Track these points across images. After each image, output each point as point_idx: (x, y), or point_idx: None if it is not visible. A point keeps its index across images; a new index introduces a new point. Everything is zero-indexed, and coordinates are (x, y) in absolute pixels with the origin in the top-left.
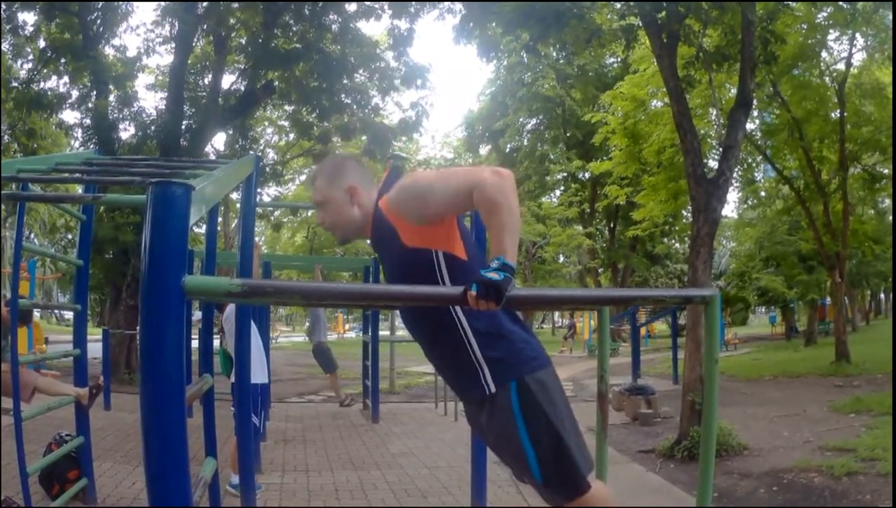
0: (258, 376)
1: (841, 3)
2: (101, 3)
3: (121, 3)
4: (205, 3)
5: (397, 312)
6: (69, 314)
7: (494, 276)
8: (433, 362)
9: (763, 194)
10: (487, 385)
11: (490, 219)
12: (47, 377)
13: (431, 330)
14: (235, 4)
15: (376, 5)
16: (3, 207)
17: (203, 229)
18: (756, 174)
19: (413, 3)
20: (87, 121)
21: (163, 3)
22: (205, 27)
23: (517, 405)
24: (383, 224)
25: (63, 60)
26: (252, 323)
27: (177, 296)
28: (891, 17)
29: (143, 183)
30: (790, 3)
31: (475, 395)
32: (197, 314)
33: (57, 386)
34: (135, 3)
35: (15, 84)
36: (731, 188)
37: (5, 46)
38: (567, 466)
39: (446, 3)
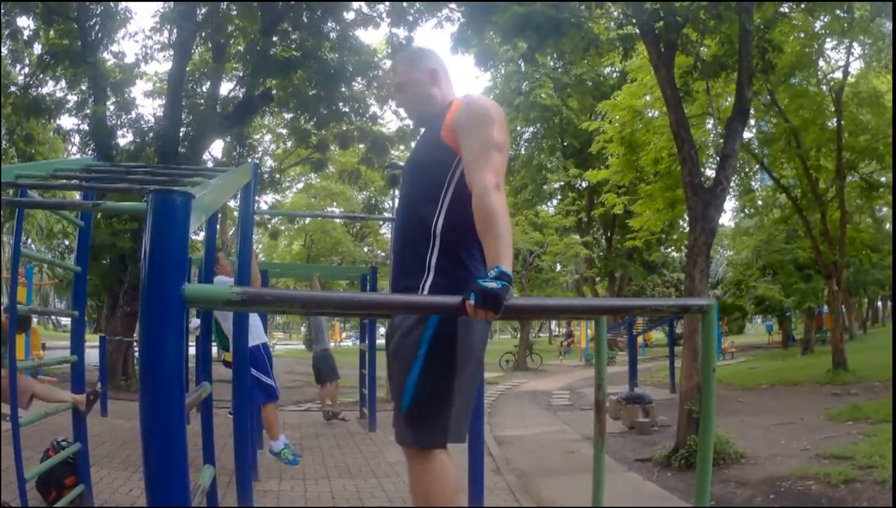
0: (255, 337)
1: (839, 11)
2: (99, 9)
3: (120, 1)
4: (203, 10)
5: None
6: (66, 320)
7: (492, 285)
8: (393, 273)
9: (760, 202)
10: (422, 290)
11: (487, 228)
12: (45, 384)
13: (409, 232)
14: (234, 11)
15: (375, 13)
16: (1, 212)
17: (201, 236)
18: (753, 183)
19: (411, 11)
20: (85, 127)
21: (161, 10)
22: (203, 34)
23: (432, 329)
24: (444, 114)
25: (61, 66)
26: None
27: (177, 304)
28: (887, 25)
29: (141, 190)
30: (791, 3)
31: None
32: (195, 322)
33: (54, 393)
34: (133, 10)
35: (13, 89)
36: (728, 197)
37: (4, 51)
38: (435, 414)
39: (445, 12)
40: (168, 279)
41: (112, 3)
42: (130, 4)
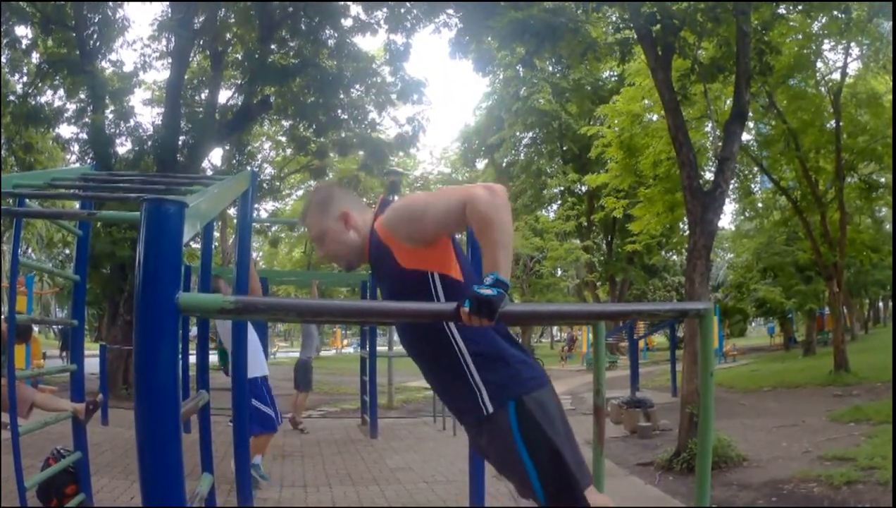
0: (256, 369)
1: (836, 12)
2: (97, 18)
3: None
4: (201, 18)
5: (395, 327)
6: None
7: (487, 292)
8: (431, 384)
9: (760, 205)
10: (485, 406)
11: (483, 235)
12: (45, 393)
13: (429, 353)
14: (232, 19)
15: (372, 20)
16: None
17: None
18: (753, 186)
19: (408, 17)
20: (84, 135)
21: (159, 18)
22: (201, 42)
23: (516, 426)
24: (379, 246)
25: (60, 75)
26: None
27: (171, 313)
28: (885, 25)
29: (137, 199)
30: (788, 3)
31: (473, 417)
32: (195, 330)
33: (54, 402)
34: (131, 18)
35: (12, 98)
36: (727, 200)
37: (2, 60)
38: (567, 484)
39: (442, 18)
40: (162, 288)
41: (109, 12)
42: (128, 13)
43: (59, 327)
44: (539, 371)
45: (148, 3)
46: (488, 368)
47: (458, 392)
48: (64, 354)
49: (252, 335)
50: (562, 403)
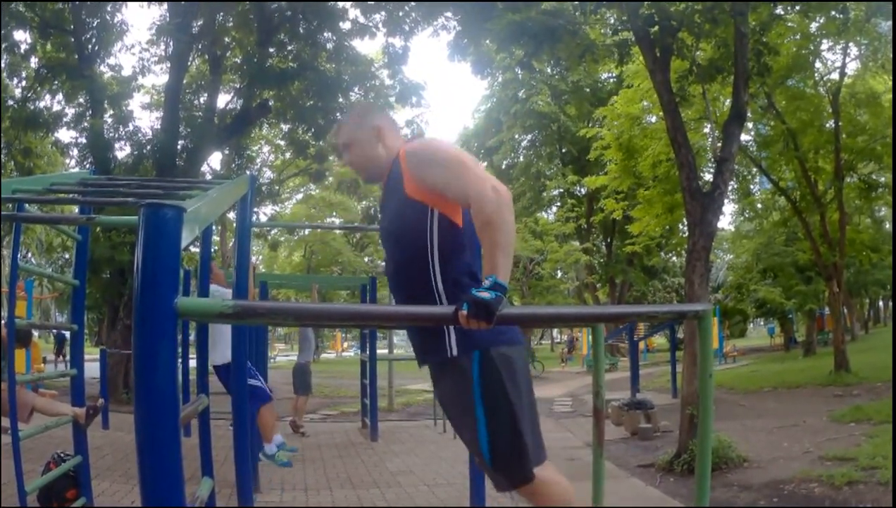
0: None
1: (834, 12)
2: (96, 22)
3: (119, 2)
4: (199, 22)
5: (395, 332)
6: (67, 334)
7: (485, 295)
8: (409, 329)
9: (759, 205)
10: (450, 348)
11: (484, 237)
12: (45, 398)
13: (407, 286)
14: (230, 23)
15: (371, 23)
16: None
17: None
18: (752, 186)
19: (407, 20)
20: (83, 140)
21: (157, 23)
22: (200, 46)
23: (477, 376)
24: (397, 170)
25: (58, 79)
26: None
27: (169, 317)
28: (883, 24)
29: (136, 204)
30: (786, 3)
31: (438, 357)
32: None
33: (54, 406)
34: (129, 22)
35: (11, 103)
36: (727, 201)
37: (1, 65)
38: (517, 452)
39: (440, 20)
40: (160, 292)
41: (108, 17)
42: (127, 17)
43: (42, 332)
44: (514, 330)
45: (146, 8)
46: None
47: (425, 330)
48: (58, 358)
49: (226, 326)
50: (531, 376)
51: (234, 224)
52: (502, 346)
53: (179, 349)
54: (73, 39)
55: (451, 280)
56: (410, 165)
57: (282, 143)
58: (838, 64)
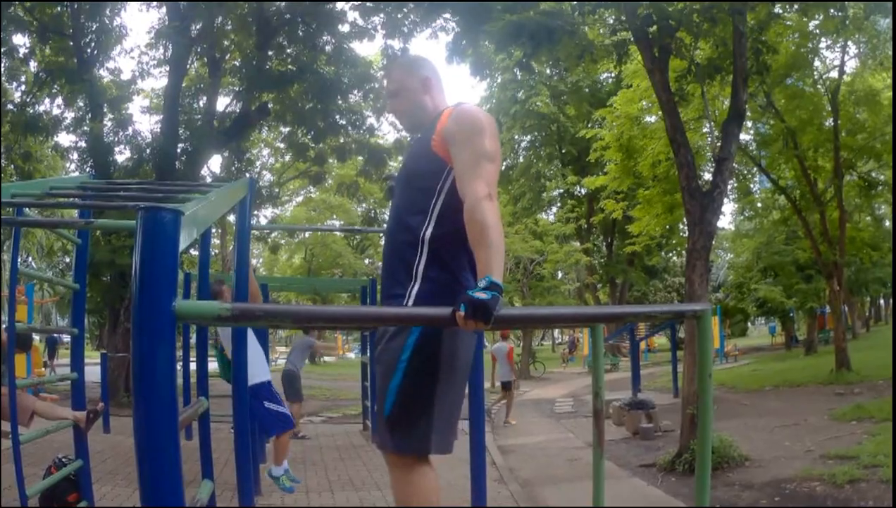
0: (263, 374)
1: (833, 10)
2: (94, 26)
3: (119, 2)
4: (198, 26)
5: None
6: (67, 338)
7: (482, 295)
8: (383, 260)
9: (759, 204)
10: (408, 297)
11: (479, 239)
12: (46, 402)
13: (398, 240)
14: (229, 26)
15: (369, 25)
16: None
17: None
18: (752, 185)
19: (405, 22)
20: (83, 144)
21: (156, 26)
22: (199, 50)
23: (416, 335)
24: (434, 124)
25: (58, 84)
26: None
27: (167, 320)
28: (882, 22)
29: (134, 207)
30: (784, 2)
31: (392, 303)
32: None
33: (55, 410)
34: (128, 26)
35: (10, 107)
36: (727, 200)
37: (1, 68)
38: (417, 420)
39: (439, 22)
40: (158, 296)
41: (107, 20)
42: (125, 21)
43: (44, 336)
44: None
45: (145, 12)
46: (432, 283)
47: (394, 282)
48: (51, 362)
49: (253, 341)
50: (468, 365)
51: (234, 227)
52: (455, 333)
53: (181, 353)
54: (72, 43)
55: (440, 236)
56: (448, 127)
57: (281, 145)
58: (837, 62)
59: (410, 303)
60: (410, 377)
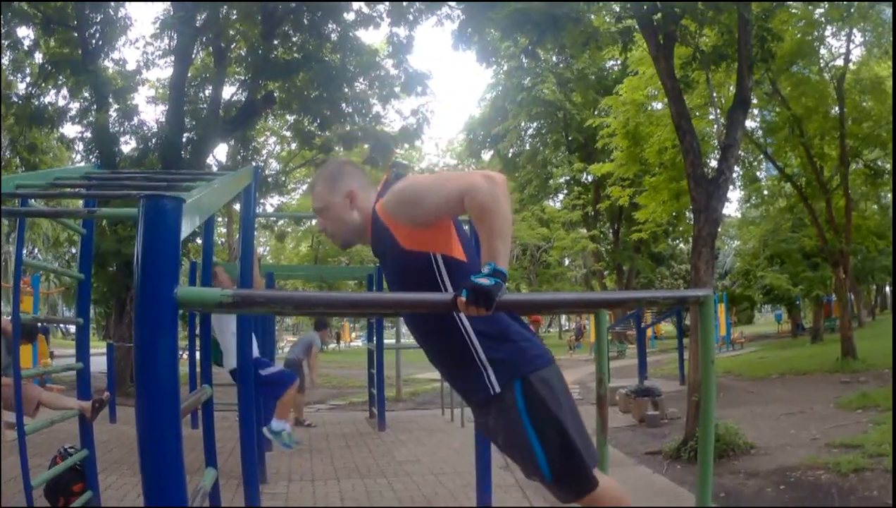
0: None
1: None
2: (99, 17)
3: None
4: (203, 15)
5: (402, 319)
6: (73, 328)
7: (485, 282)
8: (437, 365)
9: (765, 192)
10: (492, 386)
11: (481, 225)
12: (51, 392)
13: (435, 334)
14: (234, 16)
15: (375, 13)
16: (3, 222)
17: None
18: (758, 173)
19: (411, 10)
20: (89, 135)
21: (161, 16)
22: (204, 39)
23: (522, 404)
24: (380, 228)
25: (62, 75)
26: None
27: (169, 307)
28: (887, 11)
29: (137, 196)
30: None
31: (480, 397)
32: None
33: (61, 400)
34: (133, 17)
35: (15, 99)
36: (733, 187)
37: (4, 61)
38: (574, 463)
39: (444, 10)
40: (160, 283)
41: (111, 11)
42: (130, 11)
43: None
44: (543, 349)
45: (150, 2)
46: (494, 347)
47: (463, 372)
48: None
49: (230, 327)
50: (566, 381)
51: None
52: (539, 370)
53: (188, 341)
54: (76, 35)
55: (481, 321)
56: (394, 215)
57: (287, 134)
58: (843, 50)
59: (496, 389)
60: (543, 435)
